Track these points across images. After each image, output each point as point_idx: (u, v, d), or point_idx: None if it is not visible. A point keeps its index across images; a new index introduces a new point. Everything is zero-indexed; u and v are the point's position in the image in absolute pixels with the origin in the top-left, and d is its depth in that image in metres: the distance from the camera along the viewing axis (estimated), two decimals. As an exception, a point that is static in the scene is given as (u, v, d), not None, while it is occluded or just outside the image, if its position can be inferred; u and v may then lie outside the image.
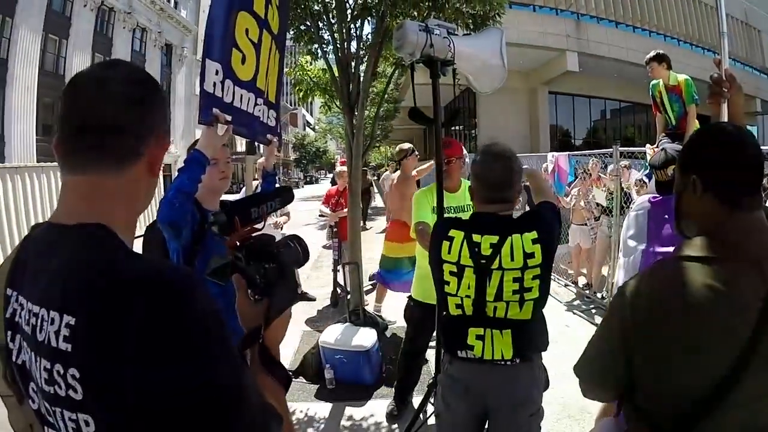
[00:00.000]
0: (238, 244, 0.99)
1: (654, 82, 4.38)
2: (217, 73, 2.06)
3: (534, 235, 1.63)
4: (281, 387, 0.90)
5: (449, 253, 1.70)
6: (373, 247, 9.03)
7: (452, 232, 1.72)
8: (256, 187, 5.18)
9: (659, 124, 4.52)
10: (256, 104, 2.44)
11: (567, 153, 7.63)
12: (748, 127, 1.41)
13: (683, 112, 4.18)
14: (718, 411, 0.94)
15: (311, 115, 78.61)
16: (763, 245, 1.02)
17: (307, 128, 78.14)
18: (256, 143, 2.78)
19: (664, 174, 2.51)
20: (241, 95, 2.27)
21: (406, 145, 4.74)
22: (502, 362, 1.70)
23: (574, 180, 7.19)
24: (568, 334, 4.86)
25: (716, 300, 0.95)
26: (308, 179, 62.22)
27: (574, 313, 5.64)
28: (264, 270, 0.96)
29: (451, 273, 1.71)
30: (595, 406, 2.84)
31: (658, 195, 2.55)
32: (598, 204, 6.29)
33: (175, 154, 23.97)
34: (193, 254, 1.98)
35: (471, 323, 1.71)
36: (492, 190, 1.73)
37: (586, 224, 6.59)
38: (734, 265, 0.99)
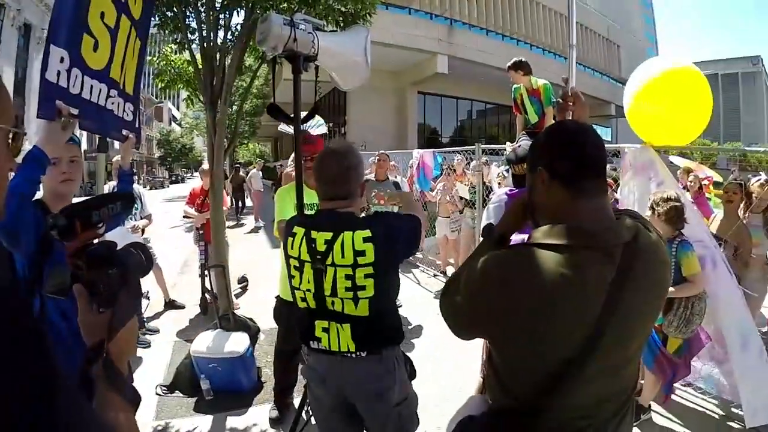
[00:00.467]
0: (77, 250, 0.92)
1: (516, 86, 4.78)
2: (62, 60, 1.86)
3: (367, 233, 1.66)
4: (130, 404, 0.83)
5: (292, 248, 1.74)
6: (242, 246, 8.70)
7: (295, 229, 1.75)
8: (113, 189, 4.73)
9: (519, 124, 4.95)
10: (108, 96, 2.24)
11: (432, 150, 8.01)
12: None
13: (542, 113, 4.62)
14: (573, 386, 1.03)
15: (178, 109, 73.64)
16: (612, 234, 1.08)
17: (173, 123, 73.20)
18: (110, 140, 2.54)
19: (520, 168, 2.71)
20: (91, 86, 2.07)
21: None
22: (349, 354, 1.74)
23: (440, 175, 7.59)
24: (440, 322, 5.10)
25: (567, 285, 1.01)
26: (174, 178, 58.40)
27: (444, 302, 5.92)
28: (106, 277, 0.89)
29: (295, 267, 1.75)
30: (472, 387, 3.04)
31: (514, 188, 2.77)
32: (461, 197, 6.69)
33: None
34: (39, 265, 1.77)
35: (315, 316, 1.75)
36: (327, 185, 1.77)
37: (449, 217, 7.00)
38: (584, 252, 1.04)
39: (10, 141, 0.79)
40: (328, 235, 1.68)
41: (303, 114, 2.40)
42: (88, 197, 1.03)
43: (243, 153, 40.64)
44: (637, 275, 1.04)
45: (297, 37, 2.03)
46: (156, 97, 61.23)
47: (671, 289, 2.89)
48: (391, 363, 1.80)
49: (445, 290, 1.31)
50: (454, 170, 7.27)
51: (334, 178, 1.75)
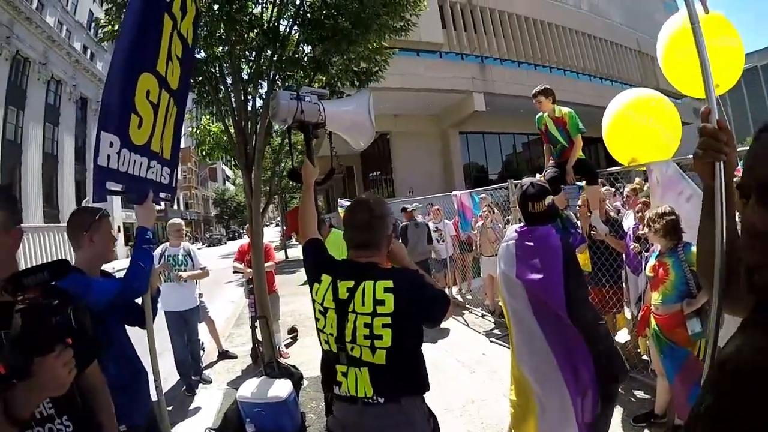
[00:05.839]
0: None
1: (539, 115, 4.67)
2: (111, 145, 1.93)
3: (389, 284, 1.69)
4: None
5: (317, 294, 1.82)
6: (296, 298, 8.93)
7: (323, 276, 1.84)
8: (164, 249, 5.13)
9: (546, 154, 4.80)
10: (149, 167, 2.31)
11: (468, 191, 7.92)
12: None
13: (569, 141, 4.45)
14: None
15: (230, 169, 77.22)
16: None
17: (227, 182, 76.71)
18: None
19: (541, 205, 2.56)
20: (134, 161, 2.14)
21: None
22: (368, 400, 1.72)
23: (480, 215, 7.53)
24: (486, 363, 5.11)
25: None
26: (231, 235, 60.40)
27: (491, 341, 5.87)
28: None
29: (320, 312, 1.82)
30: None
31: (524, 225, 2.64)
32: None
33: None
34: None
35: (336, 360, 1.79)
36: (354, 232, 1.87)
37: (495, 255, 6.93)
38: None
39: None
40: (350, 284, 1.75)
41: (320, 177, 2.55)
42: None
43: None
44: None
45: (304, 108, 2.26)
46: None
47: (701, 297, 2.90)
48: (412, 414, 1.75)
49: None
50: (492, 210, 7.23)
51: (362, 226, 1.85)
